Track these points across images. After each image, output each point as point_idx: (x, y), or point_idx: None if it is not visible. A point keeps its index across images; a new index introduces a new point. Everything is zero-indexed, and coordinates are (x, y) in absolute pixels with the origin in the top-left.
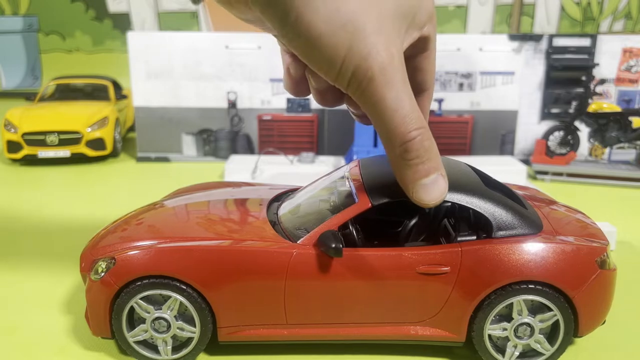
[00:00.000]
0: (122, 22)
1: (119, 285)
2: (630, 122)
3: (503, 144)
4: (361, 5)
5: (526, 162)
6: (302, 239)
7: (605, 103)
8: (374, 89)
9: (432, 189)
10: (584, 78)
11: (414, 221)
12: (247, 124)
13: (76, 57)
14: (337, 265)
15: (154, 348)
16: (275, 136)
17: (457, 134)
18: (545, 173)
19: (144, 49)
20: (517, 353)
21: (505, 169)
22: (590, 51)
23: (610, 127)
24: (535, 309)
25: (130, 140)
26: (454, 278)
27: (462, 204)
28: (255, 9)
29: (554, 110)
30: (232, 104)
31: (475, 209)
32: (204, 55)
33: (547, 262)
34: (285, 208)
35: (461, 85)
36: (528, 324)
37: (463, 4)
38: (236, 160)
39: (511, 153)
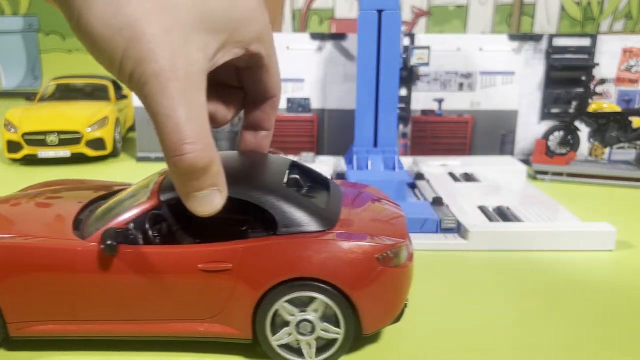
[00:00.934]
0: None
1: None
2: (631, 122)
3: (503, 144)
4: (143, 13)
5: (526, 162)
6: (90, 237)
7: (606, 103)
8: (147, 93)
9: (204, 202)
10: (584, 78)
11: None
12: None
13: (76, 57)
14: (120, 262)
15: None
16: (276, 136)
17: (457, 134)
18: (546, 173)
19: None
20: (313, 349)
21: (505, 169)
22: (590, 51)
23: (610, 127)
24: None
25: (131, 141)
26: (235, 275)
27: (251, 201)
28: (55, 3)
29: (554, 111)
30: None
31: (263, 206)
32: None
33: (324, 259)
34: (101, 206)
35: (461, 85)
36: (309, 321)
37: (463, 4)
38: None
39: (511, 153)
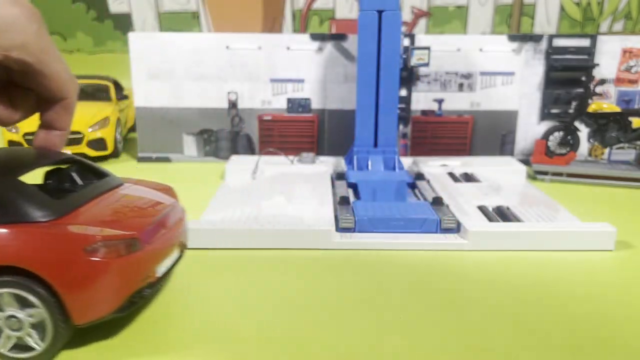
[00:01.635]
0: (123, 23)
1: None
2: (630, 122)
3: (503, 144)
4: None
5: (526, 162)
6: None
7: (605, 103)
8: None
9: None
10: (583, 78)
11: None
12: (248, 124)
13: (77, 57)
14: None
15: None
16: (276, 136)
17: (457, 134)
18: (545, 173)
19: (145, 49)
20: (9, 345)
21: (505, 169)
22: (590, 51)
23: (610, 128)
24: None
25: (131, 141)
26: None
27: None
28: None
29: (554, 111)
30: (233, 104)
31: None
32: (205, 56)
33: (27, 247)
34: None
35: (461, 85)
36: (15, 317)
37: (463, 4)
38: (237, 160)
39: (511, 153)
